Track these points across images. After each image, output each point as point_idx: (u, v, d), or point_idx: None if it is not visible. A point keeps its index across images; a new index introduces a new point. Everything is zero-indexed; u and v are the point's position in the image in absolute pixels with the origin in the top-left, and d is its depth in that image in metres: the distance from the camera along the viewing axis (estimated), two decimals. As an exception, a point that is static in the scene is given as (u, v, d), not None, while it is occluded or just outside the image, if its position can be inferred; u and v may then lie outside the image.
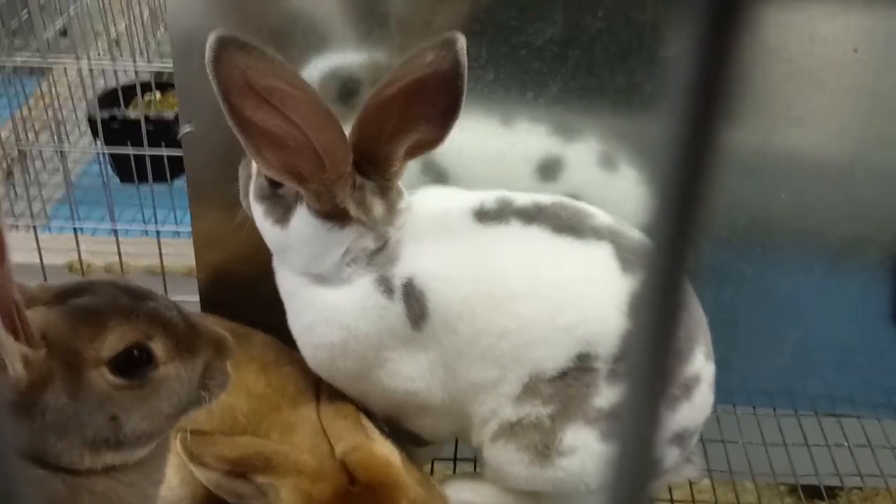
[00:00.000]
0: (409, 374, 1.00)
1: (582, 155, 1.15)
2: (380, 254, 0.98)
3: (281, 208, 0.98)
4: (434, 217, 1.00)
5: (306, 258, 0.99)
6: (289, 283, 1.03)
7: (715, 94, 0.23)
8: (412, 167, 1.00)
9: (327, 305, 0.99)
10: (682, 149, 0.24)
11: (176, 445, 0.87)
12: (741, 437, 1.33)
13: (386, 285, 0.97)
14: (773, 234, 1.21)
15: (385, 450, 0.94)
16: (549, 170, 1.15)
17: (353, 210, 0.95)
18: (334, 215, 0.95)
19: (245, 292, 1.18)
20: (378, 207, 0.96)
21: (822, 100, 1.12)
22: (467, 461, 1.23)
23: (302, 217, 0.96)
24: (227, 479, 0.88)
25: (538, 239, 0.99)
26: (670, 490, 1.26)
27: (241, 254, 1.21)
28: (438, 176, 1.15)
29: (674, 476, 1.14)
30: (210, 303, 1.26)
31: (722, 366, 1.06)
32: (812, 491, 1.36)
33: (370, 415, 1.03)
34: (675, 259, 0.26)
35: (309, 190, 0.93)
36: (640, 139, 1.14)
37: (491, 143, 1.14)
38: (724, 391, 1.09)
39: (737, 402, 1.35)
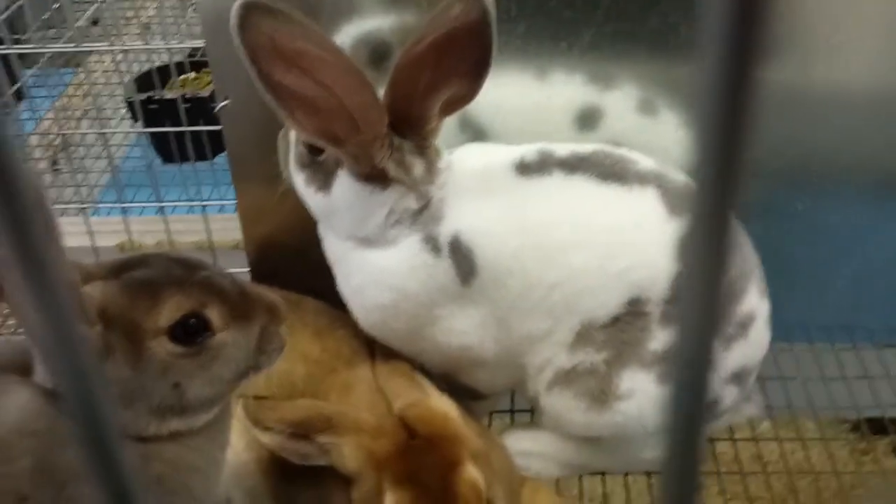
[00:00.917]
0: (462, 329, 1.01)
1: (620, 102, 1.13)
2: (423, 213, 0.98)
3: (322, 175, 0.98)
4: (476, 173, 1.00)
5: (350, 222, 0.99)
6: (336, 248, 1.04)
7: (750, 30, 0.23)
8: (450, 126, 1.00)
9: (375, 267, 1.00)
10: (722, 86, 0.24)
11: (238, 411, 0.89)
12: (800, 374, 1.32)
13: (433, 244, 0.97)
14: (822, 167, 1.19)
15: (442, 404, 0.94)
16: (588, 119, 1.14)
17: (392, 171, 0.95)
18: (375, 177, 0.95)
19: (293, 261, 1.19)
20: (418, 167, 0.96)
21: (861, 26, 1.09)
22: (524, 412, 1.23)
23: (343, 182, 0.97)
24: (290, 441, 0.89)
25: (583, 188, 0.98)
26: (731, 430, 1.26)
27: (286, 223, 1.22)
28: (477, 133, 1.14)
29: (734, 415, 1.14)
30: (260, 273, 1.28)
31: (777, 302, 1.05)
32: (875, 423, 1.35)
33: (426, 372, 1.04)
34: (720, 197, 0.26)
35: (347, 153, 0.93)
36: (679, 82, 1.12)
37: (527, 96, 1.13)
38: (781, 328, 1.08)
39: (794, 339, 1.33)
